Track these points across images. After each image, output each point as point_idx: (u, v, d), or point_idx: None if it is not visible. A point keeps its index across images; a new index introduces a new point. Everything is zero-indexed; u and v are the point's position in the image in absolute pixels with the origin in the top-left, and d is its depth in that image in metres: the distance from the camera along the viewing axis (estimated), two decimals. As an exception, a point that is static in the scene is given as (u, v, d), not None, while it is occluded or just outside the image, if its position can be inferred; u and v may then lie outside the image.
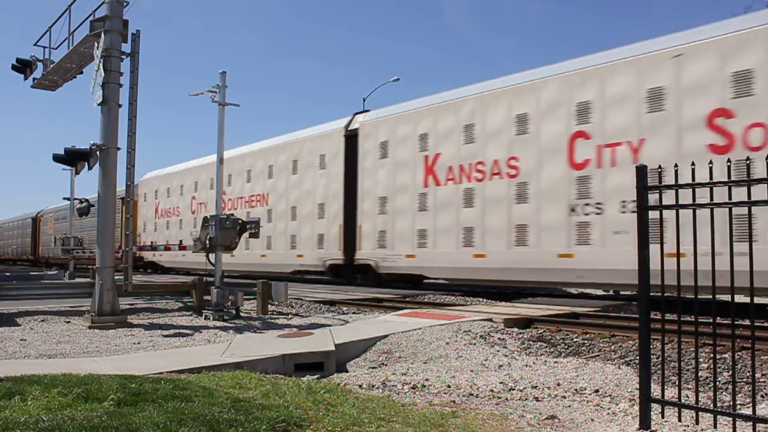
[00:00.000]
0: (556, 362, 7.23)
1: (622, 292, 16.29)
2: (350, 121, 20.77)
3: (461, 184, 16.34)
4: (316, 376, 6.94)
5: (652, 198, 4.54)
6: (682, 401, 4.52)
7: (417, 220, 17.52)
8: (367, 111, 21.30)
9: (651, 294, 4.62)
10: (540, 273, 14.59)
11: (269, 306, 13.46)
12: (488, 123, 15.91)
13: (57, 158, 11.84)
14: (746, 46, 11.69)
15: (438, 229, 16.86)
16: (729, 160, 4.21)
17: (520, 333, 9.42)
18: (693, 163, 4.67)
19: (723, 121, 11.89)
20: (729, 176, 4.15)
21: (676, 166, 4.64)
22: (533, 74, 15.35)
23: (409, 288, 17.51)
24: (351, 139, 20.32)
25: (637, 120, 13.07)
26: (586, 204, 13.67)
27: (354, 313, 13.26)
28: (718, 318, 4.80)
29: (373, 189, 19.11)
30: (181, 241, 24.42)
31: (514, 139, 15.21)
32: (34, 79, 14.48)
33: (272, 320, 12.06)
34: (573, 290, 18.17)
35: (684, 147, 12.18)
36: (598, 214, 13.45)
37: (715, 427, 4.37)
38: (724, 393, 5.86)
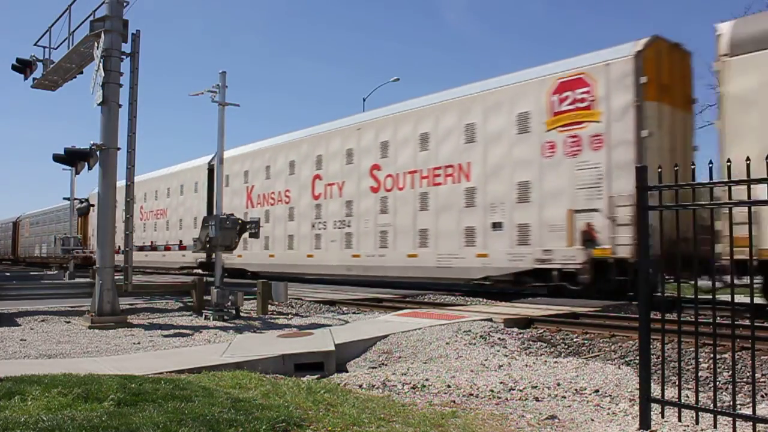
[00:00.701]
0: (556, 362, 7.23)
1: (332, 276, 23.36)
2: (212, 158, 27.21)
3: (264, 207, 24.81)
4: (316, 376, 6.94)
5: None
6: (682, 401, 4.52)
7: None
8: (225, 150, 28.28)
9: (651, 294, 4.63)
10: (299, 267, 22.68)
11: (269, 306, 13.47)
12: (277, 165, 24.30)
13: (57, 158, 11.84)
14: (384, 128, 19.53)
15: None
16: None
17: (520, 333, 9.42)
18: (693, 164, 4.68)
19: (376, 172, 19.63)
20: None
21: (675, 166, 4.64)
22: (292, 135, 24.26)
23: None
24: (211, 171, 27.39)
25: (341, 169, 21.04)
26: (320, 223, 21.75)
27: (354, 313, 13.27)
28: (718, 318, 4.80)
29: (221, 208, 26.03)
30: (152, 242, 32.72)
31: (288, 178, 23.67)
32: (34, 79, 14.48)
33: (272, 320, 12.07)
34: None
35: (360, 187, 20.13)
36: (324, 229, 21.53)
37: (715, 427, 4.37)
38: (724, 393, 5.86)
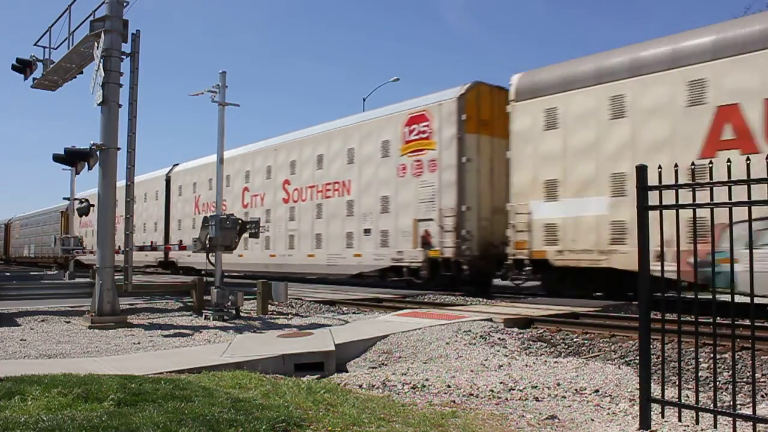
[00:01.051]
0: (556, 362, 7.23)
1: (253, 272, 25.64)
2: (170, 170, 33.14)
3: (207, 214, 30.26)
4: (316, 376, 6.94)
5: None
6: (682, 401, 4.52)
7: (192, 233, 27.10)
8: (177, 164, 33.23)
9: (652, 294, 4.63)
10: (231, 265, 23.68)
11: (269, 306, 13.47)
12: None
13: (57, 158, 11.83)
14: (293, 149, 23.34)
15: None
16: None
17: (520, 333, 9.42)
18: (693, 164, 4.68)
19: (287, 186, 23.53)
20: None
21: (676, 166, 4.64)
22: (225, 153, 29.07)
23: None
24: (168, 181, 32.83)
25: (263, 182, 25.03)
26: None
27: (354, 313, 13.27)
28: (718, 318, 4.80)
29: (175, 214, 31.72)
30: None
31: (225, 189, 27.19)
32: (34, 79, 14.48)
33: (272, 320, 12.07)
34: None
35: (276, 198, 23.89)
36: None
37: (715, 427, 4.36)
38: (724, 393, 5.86)
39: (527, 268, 15.21)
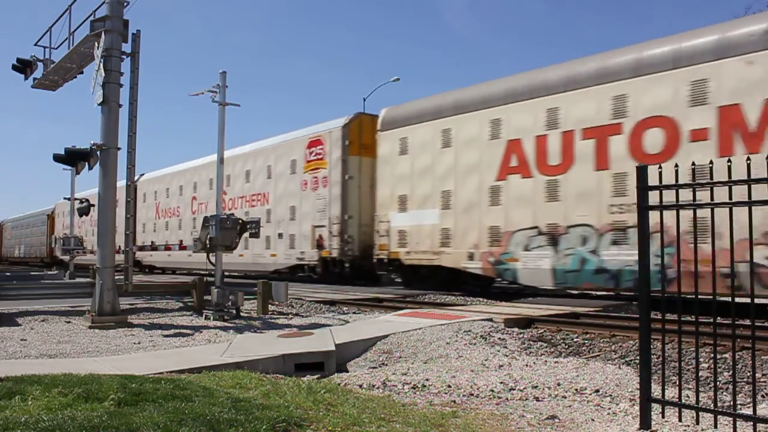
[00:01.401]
0: (556, 362, 7.23)
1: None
2: (138, 179, 35.78)
3: (165, 219, 32.85)
4: (316, 376, 6.94)
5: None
6: (683, 401, 4.52)
7: (153, 236, 33.78)
8: (143, 174, 36.04)
9: (652, 294, 4.63)
10: (182, 263, 30.63)
11: (269, 306, 13.47)
12: (172, 188, 32.46)
13: (57, 158, 11.84)
14: (228, 164, 21.98)
15: (160, 241, 33.29)
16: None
17: (521, 333, 9.42)
18: (693, 164, 4.68)
19: (224, 196, 24.81)
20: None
21: (676, 166, 4.64)
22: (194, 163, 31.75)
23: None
24: (127, 189, 34.47)
25: (206, 192, 28.22)
26: (195, 231, 25.77)
27: (354, 313, 13.26)
28: (719, 318, 4.80)
29: (140, 218, 33.86)
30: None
31: (179, 198, 31.50)
32: (34, 79, 14.48)
33: (272, 320, 12.07)
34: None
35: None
36: (197, 236, 28.40)
37: (715, 427, 4.36)
38: (724, 393, 5.85)
39: (389, 267, 19.24)
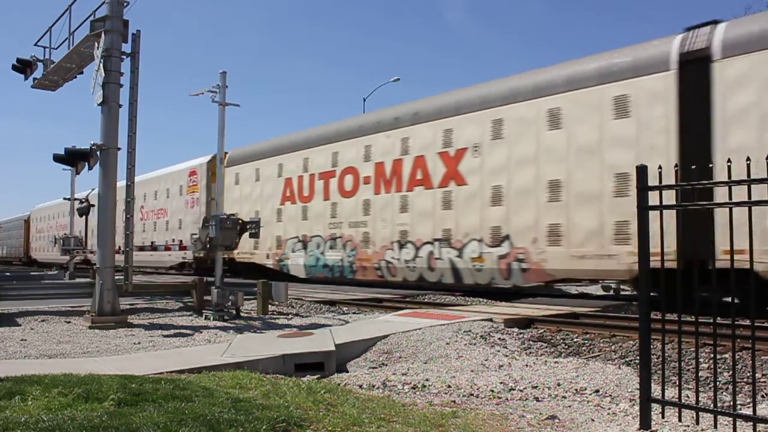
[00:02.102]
0: (556, 362, 7.23)
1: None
2: (89, 193, 36.42)
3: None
4: (316, 376, 6.94)
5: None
6: (683, 401, 4.52)
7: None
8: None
9: (652, 294, 4.63)
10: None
11: (269, 306, 13.47)
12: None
13: (57, 158, 11.84)
14: (149, 185, 33.17)
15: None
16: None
17: (521, 333, 9.42)
18: (693, 166, 4.68)
19: (142, 209, 33.30)
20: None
21: (676, 166, 4.64)
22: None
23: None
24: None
25: (153, 203, 33.38)
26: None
27: (354, 313, 13.26)
28: (718, 318, 4.80)
29: (92, 227, 38.92)
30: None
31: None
32: (34, 79, 14.48)
33: (272, 320, 12.07)
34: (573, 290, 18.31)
35: (135, 218, 27.31)
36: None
37: (715, 427, 4.36)
38: (724, 393, 5.86)
39: (229, 263, 23.28)
